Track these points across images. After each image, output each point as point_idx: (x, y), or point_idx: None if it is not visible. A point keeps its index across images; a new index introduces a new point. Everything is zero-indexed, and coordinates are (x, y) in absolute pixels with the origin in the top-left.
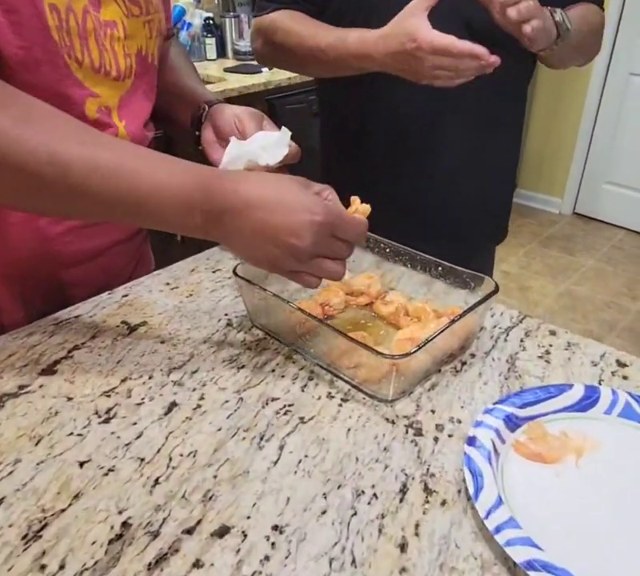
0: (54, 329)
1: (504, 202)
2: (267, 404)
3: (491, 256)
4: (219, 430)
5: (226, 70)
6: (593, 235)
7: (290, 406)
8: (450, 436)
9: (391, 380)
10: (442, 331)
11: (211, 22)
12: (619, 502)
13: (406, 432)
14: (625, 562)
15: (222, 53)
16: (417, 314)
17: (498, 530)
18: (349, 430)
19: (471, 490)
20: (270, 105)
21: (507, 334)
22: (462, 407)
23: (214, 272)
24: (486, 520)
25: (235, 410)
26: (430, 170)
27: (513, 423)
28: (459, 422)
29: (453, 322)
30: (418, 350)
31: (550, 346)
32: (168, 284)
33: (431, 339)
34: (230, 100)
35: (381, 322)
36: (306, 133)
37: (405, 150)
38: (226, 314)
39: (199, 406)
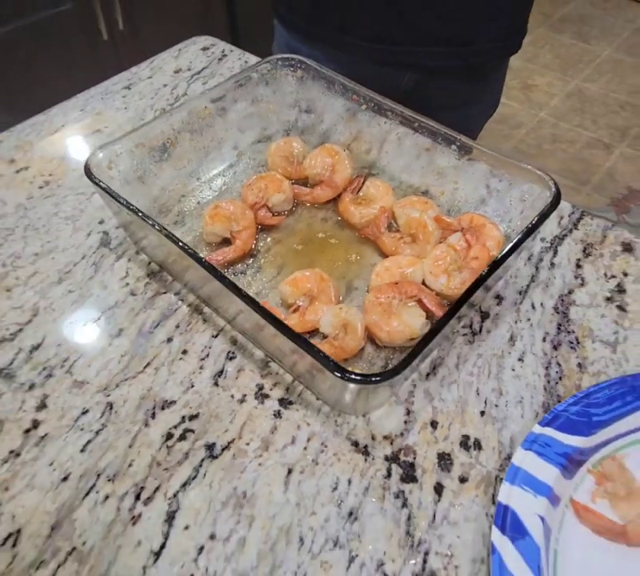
0: None
1: None
2: (153, 416)
3: (502, 69)
4: (65, 479)
5: None
6: (613, 16)
7: (191, 418)
8: (463, 480)
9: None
10: (452, 313)
11: None
12: None
13: (388, 475)
14: None
15: None
16: (410, 227)
17: None
18: (289, 472)
19: None
20: None
21: (555, 252)
22: (483, 414)
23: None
24: None
25: (97, 432)
26: None
27: (573, 463)
28: (479, 447)
29: (478, 283)
30: (407, 364)
31: (625, 275)
32: (12, 161)
33: (426, 342)
34: None
35: (352, 233)
36: None
37: None
38: (102, 222)
39: (35, 427)
